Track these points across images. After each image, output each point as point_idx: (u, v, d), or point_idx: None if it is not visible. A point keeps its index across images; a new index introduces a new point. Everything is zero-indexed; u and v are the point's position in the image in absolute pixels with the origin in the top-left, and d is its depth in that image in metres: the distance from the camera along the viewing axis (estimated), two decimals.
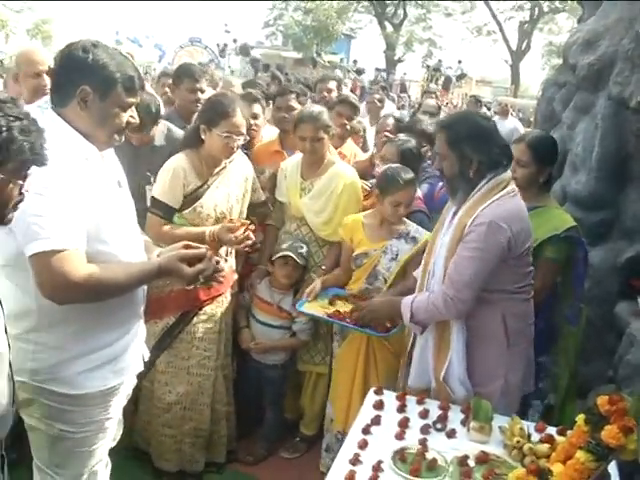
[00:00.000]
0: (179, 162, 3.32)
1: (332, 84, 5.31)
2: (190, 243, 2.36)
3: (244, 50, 20.41)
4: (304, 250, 3.61)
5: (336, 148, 4.32)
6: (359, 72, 18.20)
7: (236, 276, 3.64)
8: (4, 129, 1.59)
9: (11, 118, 1.61)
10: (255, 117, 4.16)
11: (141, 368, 2.45)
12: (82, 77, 2.05)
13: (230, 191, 3.42)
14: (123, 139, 2.28)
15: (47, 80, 3.26)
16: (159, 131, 3.86)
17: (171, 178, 3.28)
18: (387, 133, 4.31)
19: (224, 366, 3.63)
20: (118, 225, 2.18)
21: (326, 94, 5.18)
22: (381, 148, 4.07)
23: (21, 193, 1.70)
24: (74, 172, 2.02)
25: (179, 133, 3.88)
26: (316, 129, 3.59)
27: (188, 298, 3.35)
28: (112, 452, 2.97)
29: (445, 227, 2.77)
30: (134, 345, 2.34)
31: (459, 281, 2.58)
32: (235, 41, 22.22)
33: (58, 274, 1.95)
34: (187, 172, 3.29)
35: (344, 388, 3.39)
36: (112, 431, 2.35)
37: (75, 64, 2.07)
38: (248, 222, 3.30)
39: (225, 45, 21.82)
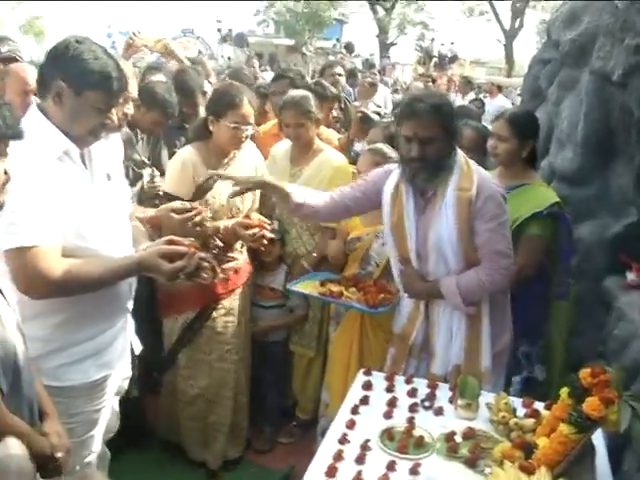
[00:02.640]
0: (187, 154, 3.28)
1: (339, 69, 5.43)
2: (174, 238, 2.29)
3: (240, 40, 20.13)
4: (275, 224, 3.61)
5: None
6: (350, 50, 17.98)
7: (250, 268, 3.61)
8: None
9: None
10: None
11: (129, 361, 2.47)
12: (59, 71, 2.05)
13: None
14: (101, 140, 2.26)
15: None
16: None
17: (180, 171, 3.24)
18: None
19: (245, 358, 3.65)
20: (100, 220, 2.17)
21: (338, 78, 5.33)
22: (356, 125, 4.29)
23: (6, 173, 1.67)
24: (49, 167, 2.02)
25: None
26: (298, 115, 3.61)
27: (205, 293, 3.31)
28: (143, 445, 3.52)
29: (411, 217, 2.75)
30: (120, 339, 2.35)
31: (503, 250, 2.69)
32: (230, 30, 21.99)
33: (32, 271, 1.96)
34: (196, 164, 3.24)
35: (339, 373, 3.38)
36: (103, 422, 2.36)
37: (55, 58, 2.08)
38: (265, 221, 3.28)
39: (229, 32, 21.49)
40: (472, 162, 2.75)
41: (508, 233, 2.72)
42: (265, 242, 3.25)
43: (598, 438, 2.18)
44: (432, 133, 2.62)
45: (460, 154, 2.73)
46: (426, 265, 2.79)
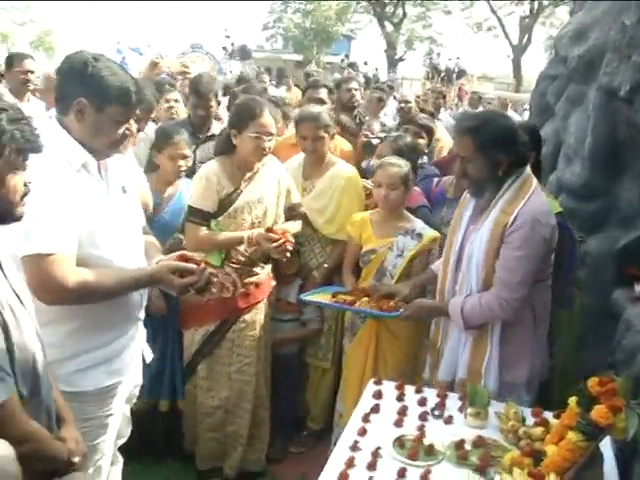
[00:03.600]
0: (211, 168, 3.35)
1: (355, 84, 5.57)
2: (186, 254, 2.40)
3: (243, 53, 20.18)
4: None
5: None
6: (354, 69, 18.06)
7: (274, 283, 3.66)
8: None
9: None
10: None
11: (140, 369, 2.53)
12: (80, 89, 2.13)
13: (264, 194, 3.42)
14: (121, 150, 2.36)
15: None
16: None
17: (205, 185, 3.31)
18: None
19: (265, 370, 3.68)
20: (114, 230, 2.25)
21: (354, 92, 5.47)
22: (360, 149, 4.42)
23: (26, 185, 1.74)
24: (66, 178, 2.10)
25: None
26: (316, 128, 3.66)
27: (226, 306, 3.39)
28: (157, 453, 3.62)
29: (465, 223, 2.84)
30: (131, 347, 2.41)
31: (512, 282, 2.64)
32: (233, 45, 22.07)
33: (47, 277, 2.03)
34: (220, 178, 3.31)
35: (354, 384, 3.43)
36: (114, 428, 2.41)
37: (74, 76, 2.15)
38: (289, 231, 3.33)
39: (232, 47, 21.62)
40: (536, 189, 2.70)
41: (529, 269, 2.63)
42: (288, 254, 3.30)
43: (606, 446, 2.21)
44: (466, 153, 2.71)
45: (525, 176, 2.71)
46: (458, 275, 2.83)
